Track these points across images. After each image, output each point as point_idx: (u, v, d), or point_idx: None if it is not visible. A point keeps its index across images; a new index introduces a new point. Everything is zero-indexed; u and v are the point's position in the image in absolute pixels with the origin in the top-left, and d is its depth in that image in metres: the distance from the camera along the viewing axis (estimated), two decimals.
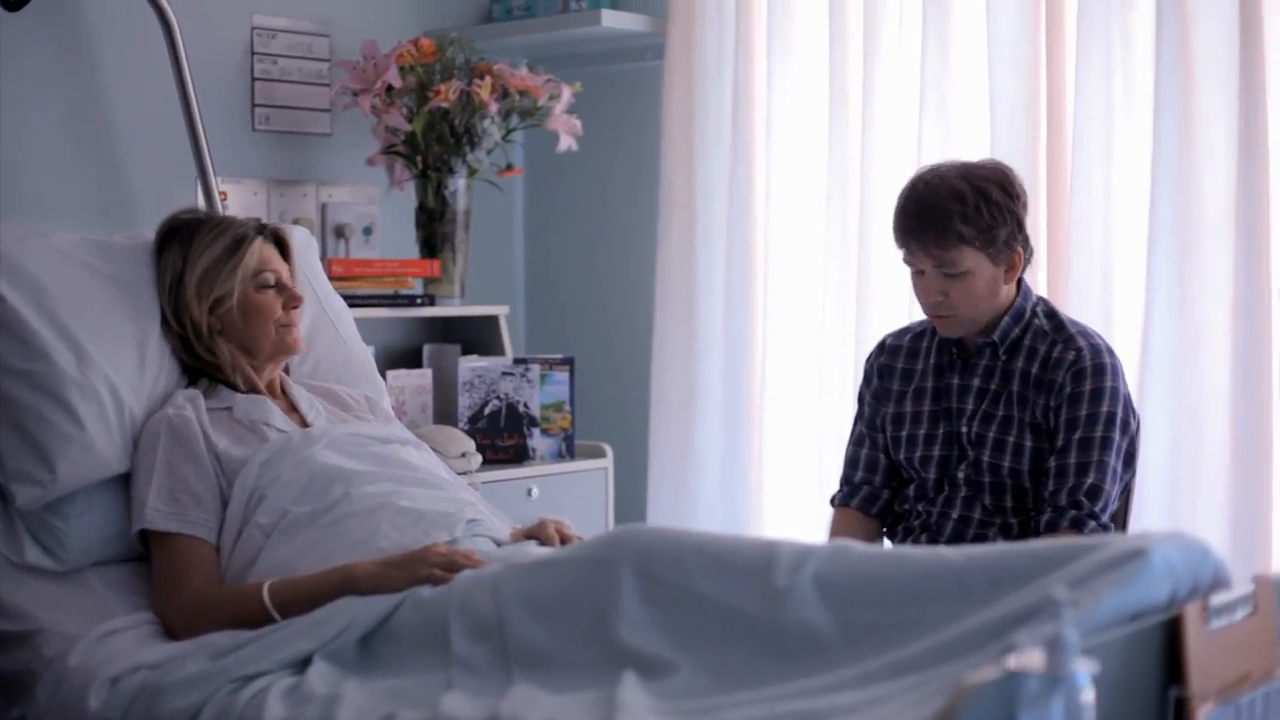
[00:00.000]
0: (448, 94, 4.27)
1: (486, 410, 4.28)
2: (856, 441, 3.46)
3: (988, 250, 3.17)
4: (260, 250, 3.25)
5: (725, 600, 2.40)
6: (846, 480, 3.45)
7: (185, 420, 3.07)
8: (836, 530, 3.39)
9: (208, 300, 3.22)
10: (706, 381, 4.56)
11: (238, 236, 3.25)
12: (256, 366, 3.24)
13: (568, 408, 4.34)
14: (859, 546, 2.45)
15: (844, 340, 4.29)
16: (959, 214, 3.14)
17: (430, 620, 2.64)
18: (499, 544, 3.03)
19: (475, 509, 3.13)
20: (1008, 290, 3.25)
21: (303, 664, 2.63)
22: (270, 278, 3.24)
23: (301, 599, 2.81)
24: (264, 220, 3.39)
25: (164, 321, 3.25)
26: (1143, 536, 2.19)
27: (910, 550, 2.45)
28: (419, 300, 4.40)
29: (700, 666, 2.34)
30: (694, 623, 2.40)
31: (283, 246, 3.33)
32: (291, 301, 3.25)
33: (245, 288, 3.22)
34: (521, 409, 4.29)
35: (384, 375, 3.87)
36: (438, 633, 2.60)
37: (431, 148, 4.38)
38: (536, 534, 3.09)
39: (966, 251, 3.17)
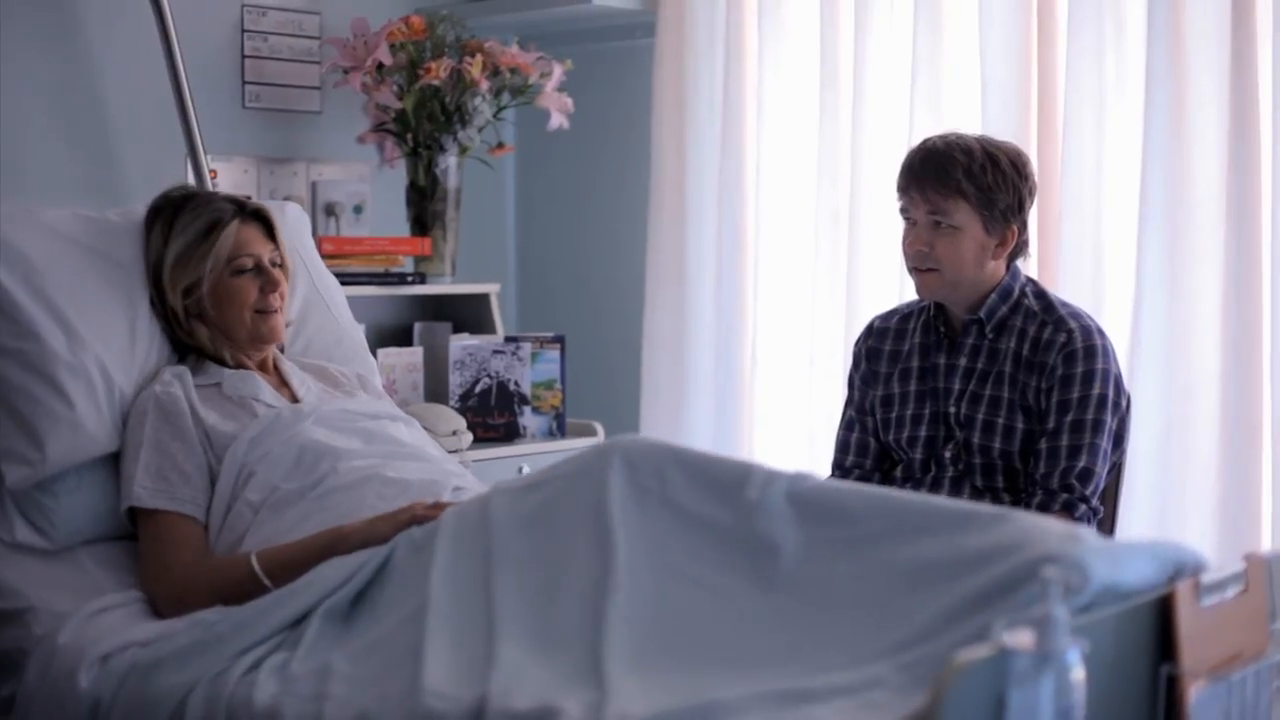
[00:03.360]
0: (438, 71, 4.26)
1: (477, 388, 4.28)
2: (846, 426, 3.46)
3: (983, 213, 3.19)
4: (237, 233, 3.18)
5: (699, 511, 2.48)
6: (837, 465, 3.45)
7: (173, 398, 3.06)
8: None
9: (180, 286, 3.18)
10: (697, 360, 4.56)
11: (212, 220, 3.18)
12: (241, 351, 3.22)
13: (559, 386, 4.33)
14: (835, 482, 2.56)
15: (834, 318, 4.29)
16: (964, 166, 3.17)
17: (420, 550, 2.66)
18: None
19: (461, 479, 3.14)
20: (995, 266, 3.25)
21: (296, 624, 2.64)
22: (247, 262, 3.18)
23: (291, 563, 2.82)
24: (249, 199, 3.30)
25: (151, 301, 3.24)
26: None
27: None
28: (410, 278, 4.39)
29: (668, 576, 2.42)
30: (669, 533, 2.48)
31: (267, 225, 3.25)
32: (269, 285, 3.18)
33: (219, 274, 3.16)
34: (512, 387, 4.29)
35: (375, 353, 3.87)
36: (426, 557, 2.62)
37: (422, 125, 4.38)
38: None
39: (962, 206, 3.18)
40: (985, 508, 2.36)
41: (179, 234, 3.19)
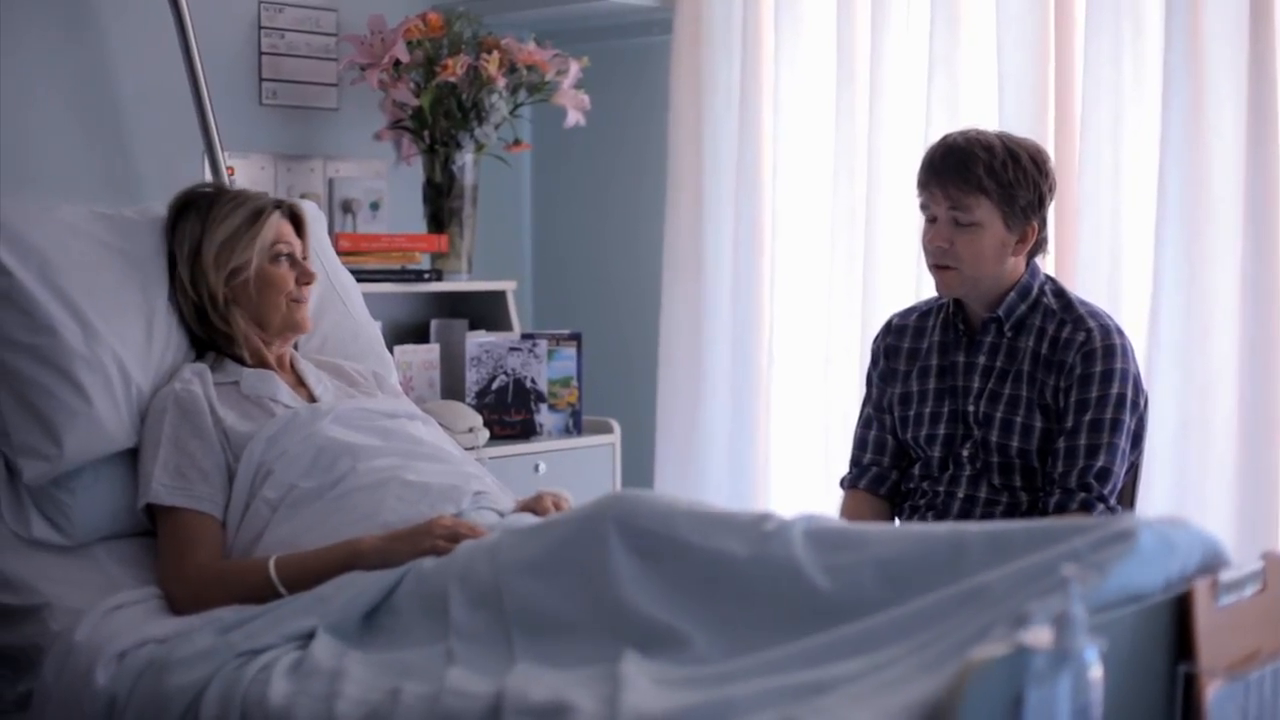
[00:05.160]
0: (455, 68, 4.27)
1: (494, 385, 4.28)
2: (864, 423, 3.45)
3: (1004, 209, 3.18)
4: (277, 224, 3.24)
5: (709, 545, 2.43)
6: (855, 462, 3.44)
7: (192, 395, 3.07)
8: (846, 512, 3.39)
9: (225, 270, 3.21)
10: (714, 357, 4.56)
11: (257, 208, 3.23)
12: (266, 341, 3.24)
13: (575, 383, 4.33)
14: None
15: (851, 316, 4.29)
16: (985, 162, 3.17)
17: (431, 592, 2.65)
18: (502, 515, 3.04)
19: (481, 482, 3.14)
20: (1015, 263, 3.25)
21: (307, 637, 2.64)
22: (284, 249, 3.23)
23: (308, 574, 2.82)
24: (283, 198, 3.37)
25: (176, 292, 3.24)
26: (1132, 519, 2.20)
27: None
28: (426, 275, 4.39)
29: (699, 626, 2.36)
30: (685, 573, 2.43)
31: (298, 223, 3.31)
32: (304, 277, 3.24)
33: (261, 260, 3.20)
34: (529, 384, 4.29)
35: (391, 350, 3.87)
36: (438, 603, 2.61)
37: (439, 122, 4.38)
38: (533, 507, 3.10)
39: (984, 202, 3.17)
40: (1019, 537, 2.28)
41: (221, 221, 3.21)
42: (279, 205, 3.28)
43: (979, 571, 2.20)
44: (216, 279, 3.21)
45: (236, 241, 3.21)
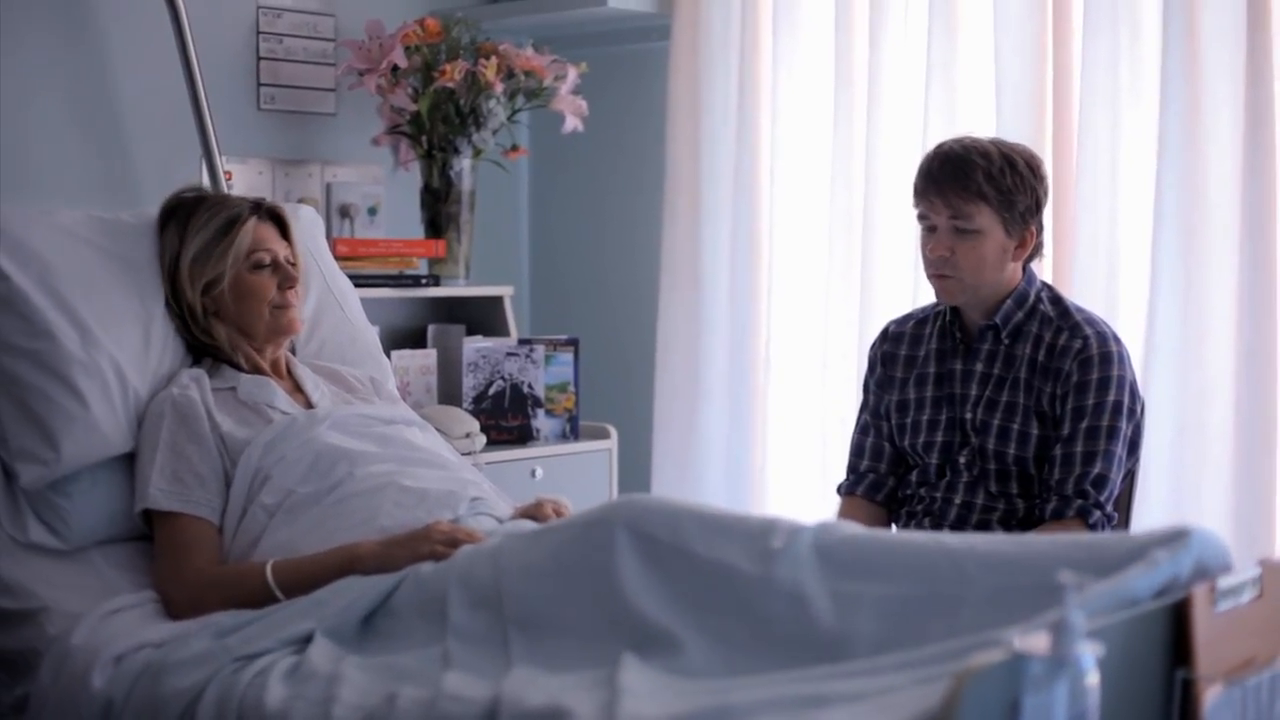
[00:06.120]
0: (453, 74, 4.27)
1: (491, 391, 4.28)
2: (861, 430, 3.45)
3: (1003, 215, 3.18)
4: (254, 230, 3.22)
5: (713, 557, 2.42)
6: (852, 469, 3.44)
7: (190, 400, 3.07)
8: (843, 518, 3.39)
9: (200, 282, 3.20)
10: (711, 362, 4.56)
11: (231, 217, 3.21)
12: (256, 348, 3.23)
13: (572, 389, 4.33)
14: (863, 528, 2.47)
15: (848, 322, 4.29)
16: (983, 169, 3.17)
17: (430, 595, 2.64)
18: (501, 522, 3.03)
19: (479, 488, 3.14)
20: (1013, 270, 3.25)
21: (305, 642, 2.64)
22: (264, 258, 3.21)
23: (305, 579, 2.82)
24: (264, 199, 3.35)
25: (166, 301, 3.25)
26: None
27: (915, 535, 2.46)
28: (424, 280, 4.39)
29: (698, 634, 2.35)
30: (688, 583, 2.42)
31: (281, 225, 3.30)
32: (286, 282, 3.22)
33: (238, 269, 3.19)
34: (526, 390, 4.29)
35: (388, 355, 3.87)
36: (436, 606, 2.61)
37: (437, 128, 4.38)
38: (533, 513, 3.09)
39: (984, 209, 3.17)
40: (1023, 567, 2.27)
41: (197, 231, 3.21)
42: (257, 210, 3.26)
43: (980, 616, 2.20)
44: (193, 293, 3.20)
45: (209, 255, 3.20)
